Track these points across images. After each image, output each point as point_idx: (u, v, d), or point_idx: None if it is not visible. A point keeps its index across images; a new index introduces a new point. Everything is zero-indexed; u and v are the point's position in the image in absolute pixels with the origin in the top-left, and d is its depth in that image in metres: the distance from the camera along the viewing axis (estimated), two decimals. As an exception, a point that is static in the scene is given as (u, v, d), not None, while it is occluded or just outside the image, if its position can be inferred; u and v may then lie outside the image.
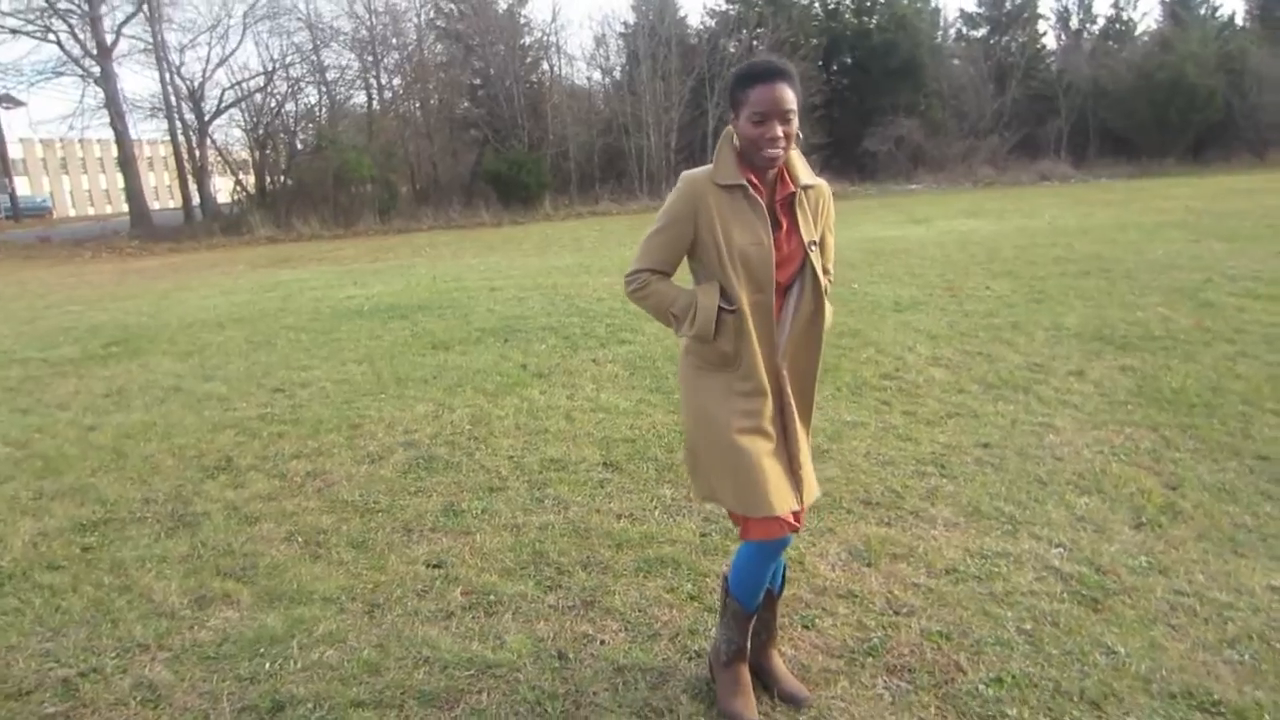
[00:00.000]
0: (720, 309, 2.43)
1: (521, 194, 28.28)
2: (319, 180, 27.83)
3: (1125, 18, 38.52)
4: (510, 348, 7.62)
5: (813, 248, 2.48)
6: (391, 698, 2.78)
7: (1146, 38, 37.28)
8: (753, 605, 2.66)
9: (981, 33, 38.51)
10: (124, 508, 4.42)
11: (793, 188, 2.47)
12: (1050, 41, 39.47)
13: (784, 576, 2.81)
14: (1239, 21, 38.66)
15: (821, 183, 2.56)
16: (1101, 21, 39.15)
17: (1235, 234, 12.52)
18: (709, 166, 2.47)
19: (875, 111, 33.13)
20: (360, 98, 32.93)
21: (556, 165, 30.26)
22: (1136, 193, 22.45)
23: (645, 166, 30.28)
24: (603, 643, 3.04)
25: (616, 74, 33.71)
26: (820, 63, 33.74)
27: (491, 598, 3.37)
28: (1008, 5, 37.71)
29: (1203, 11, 37.48)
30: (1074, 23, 39.19)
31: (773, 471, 2.45)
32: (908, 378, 6.12)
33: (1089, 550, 3.54)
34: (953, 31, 39.58)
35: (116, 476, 4.88)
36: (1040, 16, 38.64)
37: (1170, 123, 31.93)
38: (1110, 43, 37.53)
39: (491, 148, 30.19)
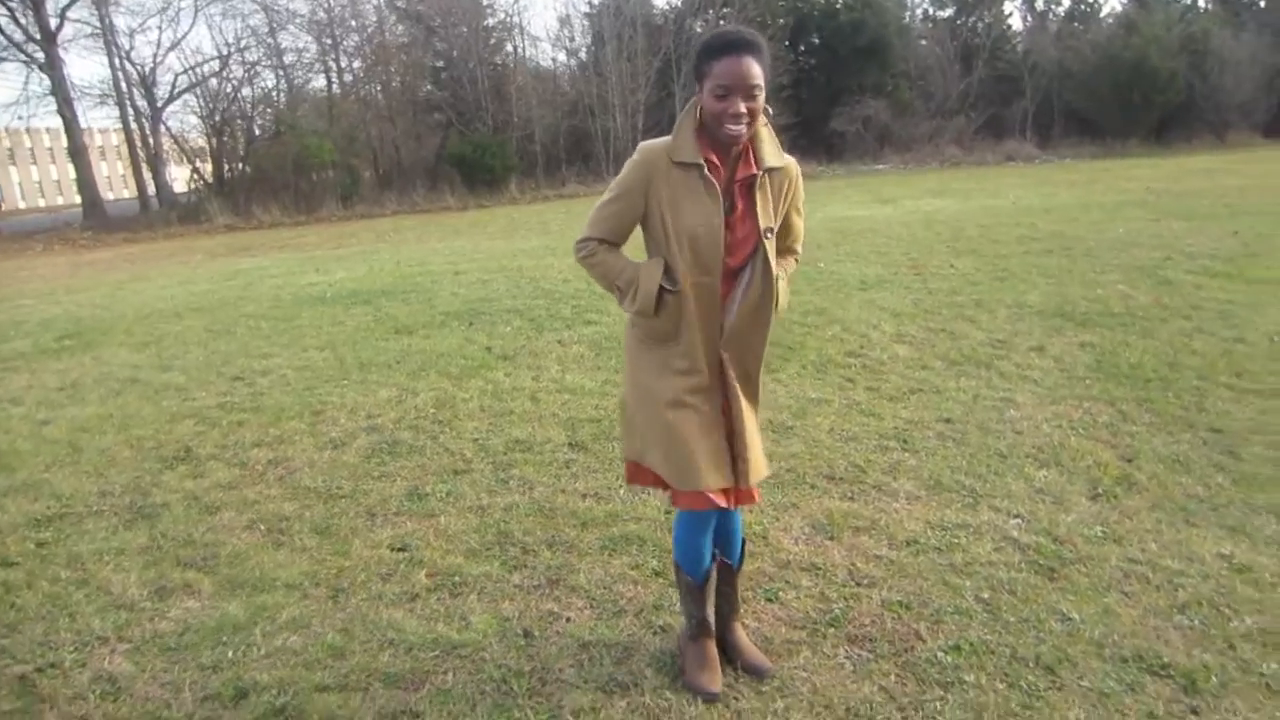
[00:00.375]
0: (662, 289, 2.39)
1: (487, 177, 28.04)
2: (279, 166, 27.37)
3: (1090, 0, 38.83)
4: (475, 331, 7.58)
5: (768, 234, 2.42)
6: (356, 681, 2.77)
7: (1111, 20, 37.54)
8: (698, 574, 2.69)
9: (948, 13, 38.59)
10: (80, 502, 4.36)
11: (755, 170, 2.39)
12: (1016, 22, 39.76)
13: (743, 550, 2.82)
14: (1201, 4, 39.08)
15: (790, 162, 2.48)
16: (1067, 3, 39.39)
17: (1194, 213, 12.71)
18: (669, 138, 2.40)
19: (843, 92, 33.15)
20: (319, 81, 32.39)
21: (522, 148, 30.03)
22: (1100, 173, 22.71)
23: (612, 148, 30.11)
24: (568, 620, 3.06)
25: (582, 55, 33.44)
26: (787, 43, 33.64)
27: (456, 579, 3.37)
28: (974, -14, 37.86)
29: (1167, -7, 37.85)
30: (1040, 4, 39.43)
31: (701, 448, 2.45)
32: (872, 355, 6.16)
33: (1046, 521, 3.59)
34: (919, 12, 39.70)
35: (72, 470, 4.80)
36: (1006, -2, 38.90)
37: (1133, 104, 32.23)
38: (1075, 24, 37.74)
39: (455, 131, 29.89)
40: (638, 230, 2.52)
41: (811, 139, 31.95)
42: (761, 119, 2.36)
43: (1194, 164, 23.82)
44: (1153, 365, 5.57)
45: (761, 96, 2.29)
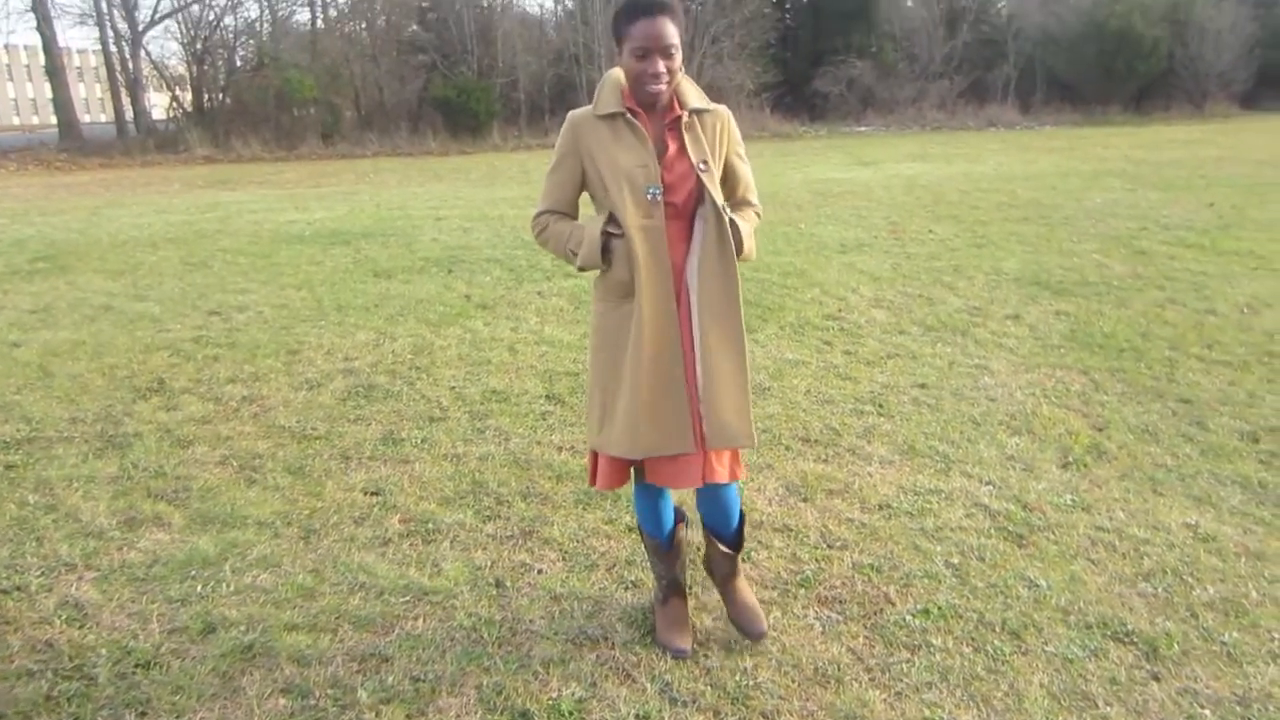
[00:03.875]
0: (608, 234, 2.41)
1: (469, 123, 27.62)
2: (260, 100, 26.83)
3: (1077, -34, 38.46)
4: (454, 278, 7.52)
5: (703, 167, 2.42)
6: (326, 622, 2.77)
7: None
8: (658, 533, 2.70)
9: (935, -26, 38.18)
10: (50, 426, 4.31)
11: (679, 111, 2.46)
12: (1002, -14, 39.31)
13: (741, 529, 2.72)
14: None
15: (719, 108, 2.54)
16: (1053, -33, 39.01)
17: (1171, 184, 12.78)
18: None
19: (827, 52, 32.79)
20: (304, 15, 31.77)
21: (506, 95, 29.56)
22: (1079, 141, 22.72)
23: (596, 99, 29.74)
24: (540, 572, 3.07)
25: (569, 3, 32.89)
26: (774, 1, 33.26)
27: (430, 526, 3.37)
28: (962, -52, 37.38)
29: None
30: (1026, -32, 39.00)
31: (626, 412, 2.43)
32: (850, 318, 6.17)
33: (1017, 488, 3.64)
34: (906, -28, 39.19)
35: (43, 394, 4.75)
36: (994, -39, 38.40)
37: (1116, 72, 32.14)
38: (1061, -11, 37.45)
39: (440, 73, 29.36)
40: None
41: (795, 99, 31.71)
42: (680, 72, 2.43)
43: (1172, 134, 23.90)
44: (1126, 335, 5.63)
45: (679, 55, 2.38)
